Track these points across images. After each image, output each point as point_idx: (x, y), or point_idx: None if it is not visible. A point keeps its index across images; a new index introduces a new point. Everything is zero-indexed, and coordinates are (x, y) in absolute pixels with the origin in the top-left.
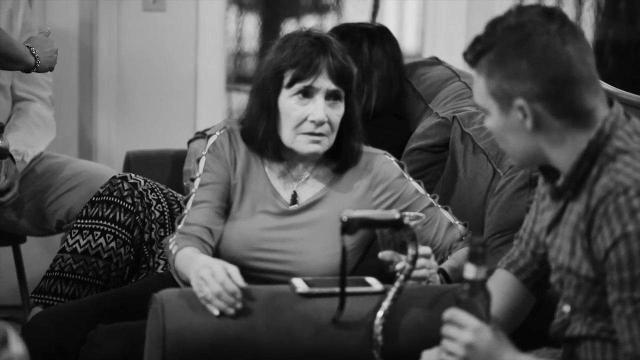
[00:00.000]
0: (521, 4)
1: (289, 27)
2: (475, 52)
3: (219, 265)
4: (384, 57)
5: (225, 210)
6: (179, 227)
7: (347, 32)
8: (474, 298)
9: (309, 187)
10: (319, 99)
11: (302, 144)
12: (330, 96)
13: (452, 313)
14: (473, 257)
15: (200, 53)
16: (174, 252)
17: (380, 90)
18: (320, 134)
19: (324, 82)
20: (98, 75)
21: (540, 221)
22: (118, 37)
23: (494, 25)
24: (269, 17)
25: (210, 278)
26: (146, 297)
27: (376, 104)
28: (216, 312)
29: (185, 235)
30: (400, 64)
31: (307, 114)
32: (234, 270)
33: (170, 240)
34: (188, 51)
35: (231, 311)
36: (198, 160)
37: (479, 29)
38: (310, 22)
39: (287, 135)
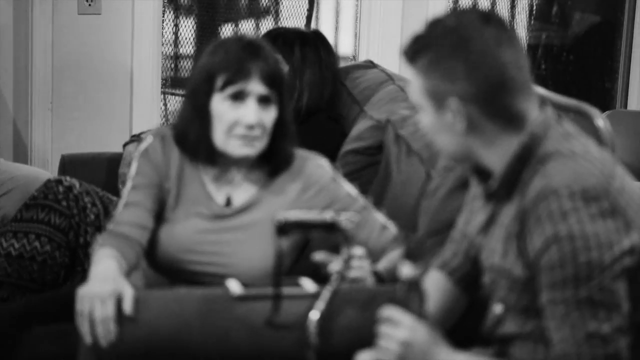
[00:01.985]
0: (459, 8)
1: (226, 30)
2: (414, 50)
3: (108, 289)
4: (315, 58)
5: (157, 214)
6: (109, 226)
7: (280, 34)
8: (409, 296)
9: (243, 191)
10: (251, 103)
11: (235, 147)
12: (262, 100)
13: (387, 311)
14: (409, 256)
15: (136, 56)
16: (95, 250)
17: (312, 90)
18: (252, 137)
19: (256, 86)
20: (33, 78)
21: (473, 222)
22: (53, 39)
23: (434, 25)
24: (205, 20)
25: (87, 306)
26: None
27: (307, 104)
28: (88, 340)
29: (112, 234)
30: (334, 66)
31: (239, 117)
32: (128, 296)
33: (99, 238)
34: (124, 54)
35: (103, 342)
36: (129, 164)
37: (413, 32)
38: (246, 25)
39: (220, 138)
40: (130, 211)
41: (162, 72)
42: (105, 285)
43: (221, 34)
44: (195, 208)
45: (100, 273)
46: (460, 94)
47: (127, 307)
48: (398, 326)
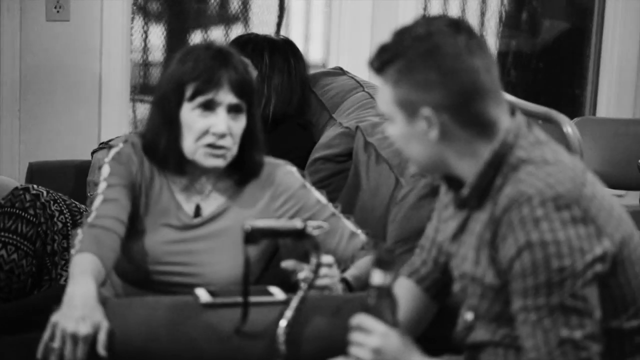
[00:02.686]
0: (428, 15)
1: (196, 37)
2: (382, 60)
3: (83, 331)
4: (284, 65)
5: (130, 217)
6: (89, 220)
7: (249, 41)
8: (381, 304)
9: (212, 200)
10: (221, 112)
11: (204, 157)
12: (232, 109)
13: (359, 319)
14: (380, 263)
15: (104, 63)
16: (73, 252)
17: (280, 97)
18: (222, 147)
19: (226, 96)
20: (0, 86)
21: (444, 230)
22: (21, 46)
23: (402, 34)
24: (175, 27)
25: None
26: (49, 309)
27: (275, 110)
28: None
29: (94, 229)
30: (303, 73)
31: (209, 126)
32: (103, 335)
33: (79, 231)
34: (92, 61)
35: None
36: (100, 168)
37: (383, 39)
38: (216, 33)
39: (189, 147)
40: (109, 206)
41: (131, 79)
42: (81, 324)
43: (191, 41)
44: (165, 218)
45: (78, 299)
46: (433, 103)
47: (101, 349)
48: (370, 334)
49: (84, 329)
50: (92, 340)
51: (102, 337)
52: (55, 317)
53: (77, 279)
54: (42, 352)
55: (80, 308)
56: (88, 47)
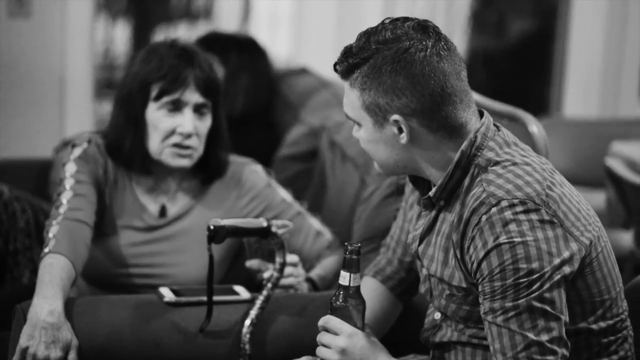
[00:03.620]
0: (394, 17)
1: (160, 33)
2: (348, 65)
3: (58, 347)
4: (251, 64)
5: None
6: (61, 211)
7: (216, 40)
8: (347, 304)
9: (178, 200)
10: (187, 112)
11: (170, 157)
12: (198, 108)
13: (325, 320)
14: (347, 264)
15: (67, 60)
16: (45, 249)
17: (247, 96)
18: (188, 147)
19: (192, 96)
20: None
21: (408, 230)
22: None
23: (368, 37)
24: (139, 23)
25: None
26: (10, 308)
27: (242, 109)
28: None
29: (67, 222)
30: (269, 72)
31: (176, 126)
32: (72, 357)
33: (53, 223)
34: (54, 58)
35: None
36: (64, 165)
37: (349, 36)
38: (181, 28)
39: (155, 147)
40: (80, 200)
41: (94, 76)
42: (52, 348)
43: (155, 36)
44: (128, 220)
45: (46, 319)
46: (402, 108)
47: None
48: (336, 335)
49: (54, 354)
50: None
51: (72, 357)
52: (24, 341)
53: (45, 290)
54: None
55: (49, 330)
56: (50, 43)
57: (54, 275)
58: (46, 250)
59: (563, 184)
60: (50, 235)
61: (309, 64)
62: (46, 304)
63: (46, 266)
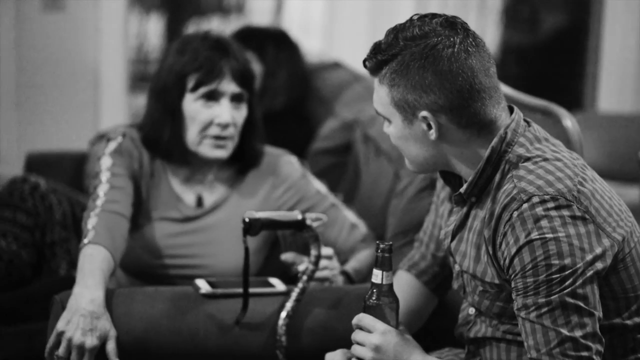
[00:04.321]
0: (422, 14)
1: (193, 27)
2: (377, 61)
3: (90, 343)
4: (287, 59)
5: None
6: (99, 203)
7: (251, 35)
8: (380, 302)
9: (214, 190)
10: (224, 102)
11: (208, 148)
12: (235, 99)
13: (359, 318)
14: (379, 262)
15: (101, 53)
16: (85, 240)
17: (285, 91)
18: (225, 138)
19: (229, 86)
20: None
21: (440, 225)
22: (17, 36)
23: (396, 34)
24: (172, 17)
25: (80, 337)
26: (47, 299)
27: (282, 104)
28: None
29: (106, 214)
30: (303, 67)
31: (213, 117)
32: (111, 347)
33: (91, 214)
34: (89, 51)
35: None
36: (99, 159)
37: (382, 31)
38: (214, 22)
39: (193, 138)
40: (117, 192)
41: (128, 69)
42: (89, 336)
43: (188, 30)
44: (165, 212)
45: (85, 306)
46: (431, 105)
47: (113, 359)
48: (370, 332)
49: (90, 342)
50: (97, 351)
51: (111, 347)
52: (61, 325)
53: (87, 280)
54: (47, 356)
55: (87, 318)
56: (84, 37)
57: (94, 265)
58: (86, 241)
59: (595, 179)
60: (89, 226)
61: (341, 59)
62: (87, 293)
63: (87, 256)
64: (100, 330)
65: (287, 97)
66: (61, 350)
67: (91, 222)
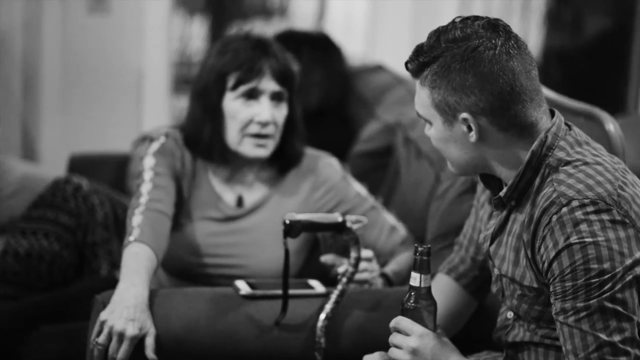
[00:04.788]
0: (464, 16)
1: (235, 30)
2: (419, 63)
3: (131, 332)
4: (323, 59)
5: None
6: (142, 201)
7: (290, 37)
8: (419, 306)
9: (255, 189)
10: (264, 101)
11: (248, 147)
12: (275, 97)
13: (397, 321)
14: (418, 266)
15: (145, 56)
16: (130, 238)
17: (320, 90)
18: (266, 136)
19: (268, 84)
20: (42, 78)
21: (480, 229)
22: (62, 38)
23: (438, 36)
24: (215, 20)
25: (122, 326)
26: (89, 299)
27: (316, 104)
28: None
29: (150, 212)
30: (343, 68)
31: (253, 115)
32: (150, 342)
33: (136, 212)
34: (132, 54)
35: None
36: (141, 159)
37: (424, 33)
38: (256, 25)
39: (233, 137)
40: (160, 191)
41: (171, 71)
42: (130, 325)
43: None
44: (206, 211)
45: (130, 300)
46: (471, 107)
47: (150, 353)
48: (408, 335)
49: (131, 330)
50: (136, 342)
51: (150, 342)
52: (105, 315)
53: (132, 277)
54: (90, 346)
55: (131, 309)
56: (128, 39)
57: (140, 264)
58: (131, 238)
59: (635, 184)
60: (134, 224)
61: (383, 62)
62: (133, 289)
63: (132, 254)
64: (141, 322)
65: (321, 97)
66: (102, 338)
67: (136, 220)
